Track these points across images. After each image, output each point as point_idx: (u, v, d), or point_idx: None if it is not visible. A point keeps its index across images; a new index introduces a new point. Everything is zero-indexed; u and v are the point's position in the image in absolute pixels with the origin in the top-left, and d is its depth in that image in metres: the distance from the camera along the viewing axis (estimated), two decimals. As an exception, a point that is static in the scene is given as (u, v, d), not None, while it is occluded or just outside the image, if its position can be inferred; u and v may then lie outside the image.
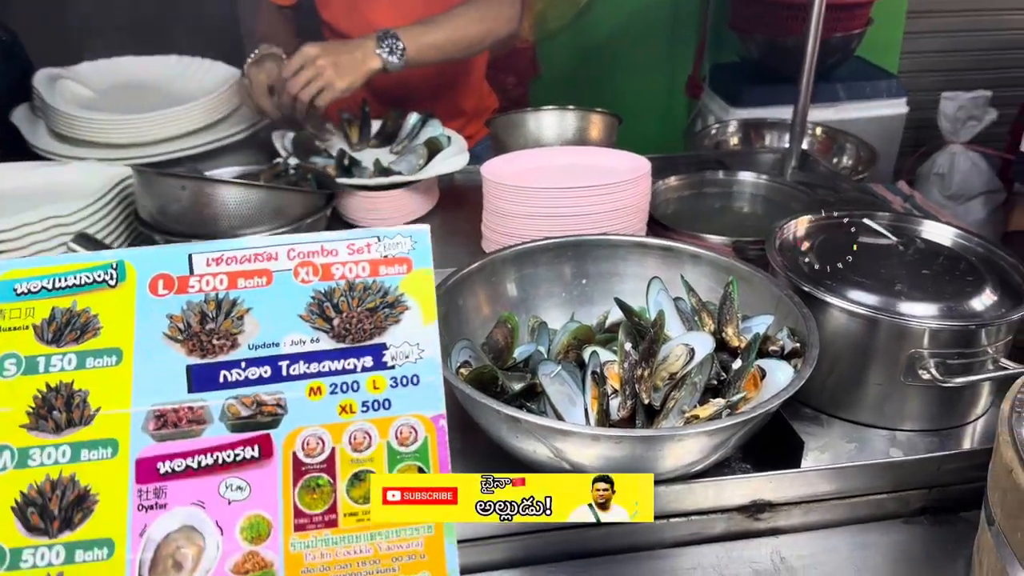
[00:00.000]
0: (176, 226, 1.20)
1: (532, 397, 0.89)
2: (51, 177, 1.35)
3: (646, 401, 0.82)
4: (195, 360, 0.56)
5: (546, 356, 0.95)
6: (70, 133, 1.53)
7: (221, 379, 0.56)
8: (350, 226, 1.47)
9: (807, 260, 1.04)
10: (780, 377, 0.84)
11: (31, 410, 0.54)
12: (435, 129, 1.59)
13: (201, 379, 0.56)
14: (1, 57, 1.71)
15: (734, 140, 2.44)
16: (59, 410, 0.54)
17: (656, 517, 0.81)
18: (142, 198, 1.22)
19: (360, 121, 1.63)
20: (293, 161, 1.44)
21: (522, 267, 1.09)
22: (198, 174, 1.22)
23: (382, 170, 1.46)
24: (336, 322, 0.56)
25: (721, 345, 0.92)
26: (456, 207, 1.57)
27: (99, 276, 0.57)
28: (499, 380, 0.85)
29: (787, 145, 1.77)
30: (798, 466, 0.89)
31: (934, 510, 0.92)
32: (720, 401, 0.82)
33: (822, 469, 0.88)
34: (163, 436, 0.54)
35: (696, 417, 0.80)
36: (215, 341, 0.56)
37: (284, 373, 0.56)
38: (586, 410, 0.83)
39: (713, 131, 2.45)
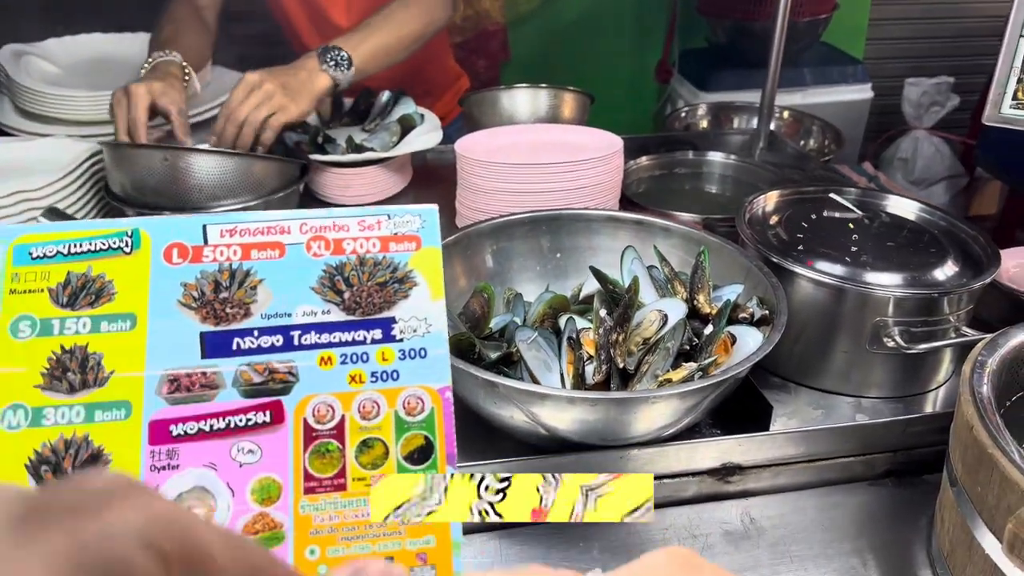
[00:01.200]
0: (151, 198, 1.19)
1: (509, 365, 0.90)
2: (19, 153, 1.33)
3: (620, 365, 0.84)
4: (209, 327, 0.57)
5: (522, 325, 0.96)
6: (36, 110, 1.51)
7: (234, 346, 0.57)
8: (323, 204, 1.47)
9: (775, 233, 1.06)
10: (750, 342, 0.86)
11: (45, 371, 0.55)
12: (408, 107, 1.59)
13: (215, 346, 0.57)
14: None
15: (703, 123, 2.47)
16: (73, 372, 0.54)
17: (630, 480, 0.83)
18: (115, 172, 1.21)
19: (332, 99, 1.63)
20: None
21: (498, 240, 1.10)
22: (173, 145, 1.20)
23: (355, 147, 1.45)
24: (347, 295, 0.58)
25: (693, 313, 0.94)
26: (430, 185, 1.58)
27: (114, 243, 0.58)
28: (476, 347, 0.86)
29: (755, 127, 1.79)
30: (767, 430, 0.91)
31: (899, 473, 0.95)
32: (692, 365, 0.84)
33: (790, 432, 0.90)
34: (176, 400, 0.55)
35: (669, 380, 0.82)
36: (228, 310, 0.57)
37: (296, 343, 0.57)
38: (562, 375, 0.85)
39: (683, 114, 2.48)
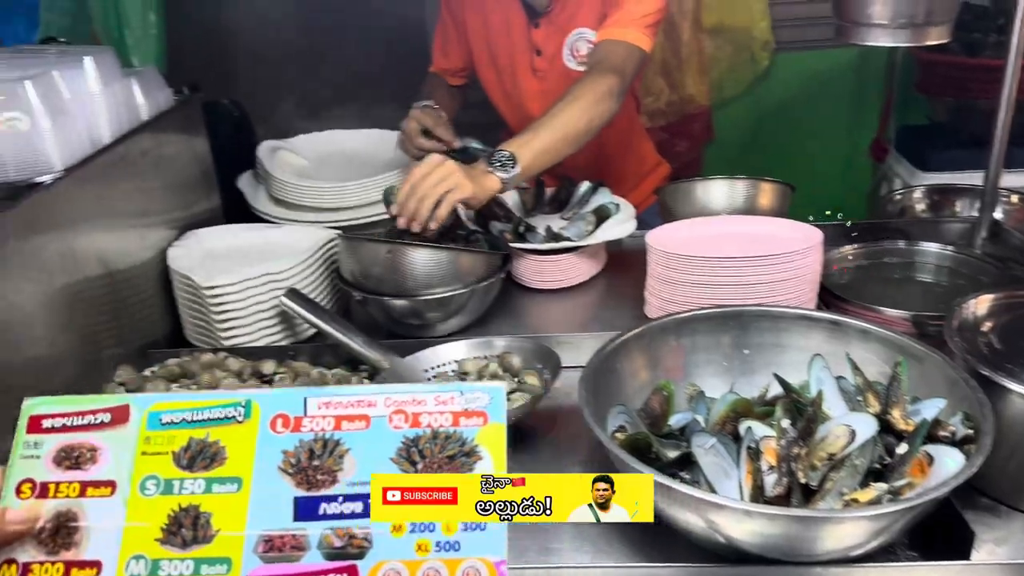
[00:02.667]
0: (374, 285, 1.33)
1: (686, 466, 0.91)
2: (269, 237, 1.54)
3: (803, 480, 0.83)
4: (301, 492, 0.64)
5: (703, 426, 0.97)
6: (285, 198, 1.75)
7: (320, 511, 0.64)
8: (522, 288, 1.56)
9: (988, 341, 0.99)
10: (949, 464, 0.81)
11: (164, 526, 0.64)
12: (605, 197, 1.66)
13: (305, 509, 0.64)
14: (232, 130, 1.99)
15: (921, 206, 2.32)
16: (187, 528, 0.64)
17: (811, 599, 0.81)
18: (346, 259, 1.38)
19: (535, 189, 1.74)
20: (472, 226, 1.56)
21: (682, 335, 1.12)
22: (396, 238, 1.35)
23: (553, 235, 1.54)
24: (420, 466, 0.64)
25: (887, 427, 0.90)
26: (622, 271, 1.62)
27: (231, 412, 0.67)
28: (653, 447, 0.89)
29: (977, 214, 1.67)
30: (966, 558, 0.84)
31: None
32: (882, 485, 0.81)
33: (996, 564, 0.83)
34: (270, 559, 0.63)
35: (855, 500, 0.79)
36: (319, 476, 0.65)
37: None
38: (740, 484, 0.85)
39: (898, 196, 2.35)
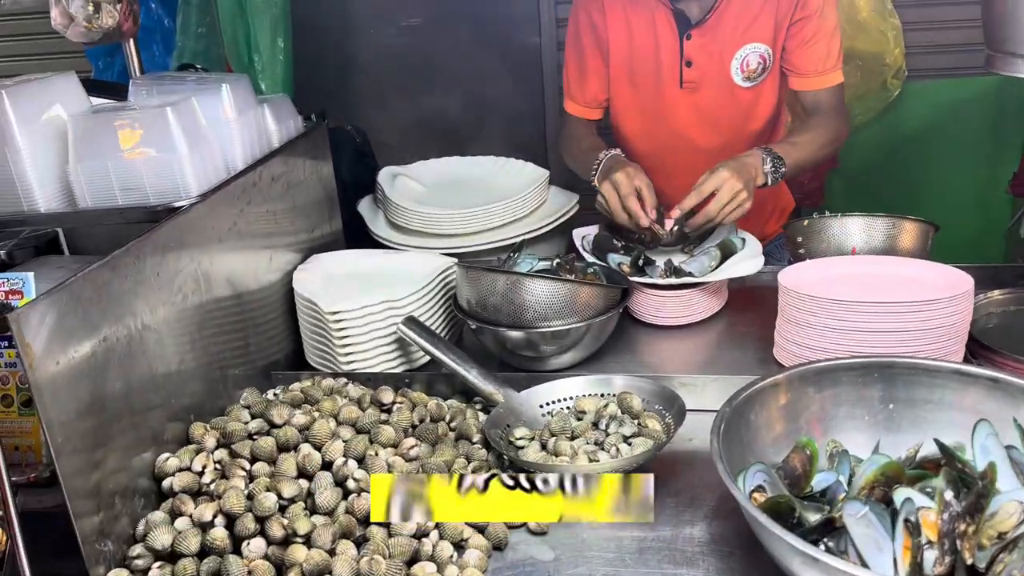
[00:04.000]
0: (490, 314, 1.32)
1: (828, 531, 0.84)
2: (386, 262, 1.55)
3: (969, 561, 0.74)
4: None
5: (846, 488, 0.89)
6: (403, 223, 1.77)
7: None
8: (639, 323, 1.51)
9: None
10: None
11: None
12: (729, 231, 1.59)
13: None
14: (354, 156, 2.03)
15: (1073, 246, 2.14)
16: None
17: None
18: (463, 287, 1.37)
19: (657, 222, 1.68)
20: (589, 258, 1.53)
21: (823, 386, 1.05)
22: (512, 269, 1.33)
23: (674, 270, 1.49)
24: None
25: (1066, 505, 0.80)
26: (746, 309, 1.55)
27: None
28: (796, 511, 0.82)
29: None
30: None
31: None
32: (1063, 574, 0.72)
33: None
34: None
35: (1032, 588, 0.71)
36: None
37: None
38: (895, 560, 0.77)
39: (1045, 235, 2.17)
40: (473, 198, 1.78)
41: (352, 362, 1.34)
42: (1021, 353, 1.22)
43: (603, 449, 1.08)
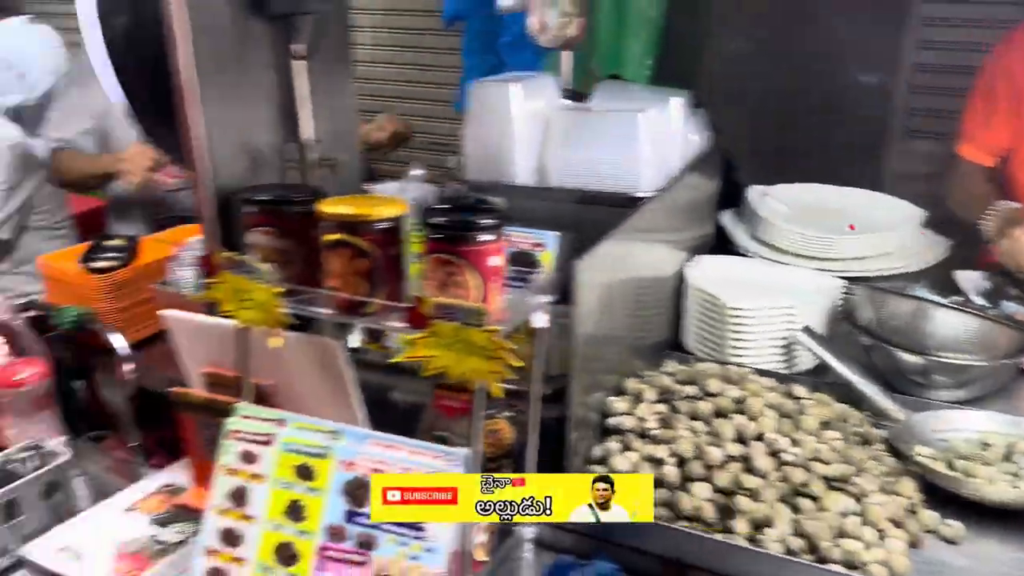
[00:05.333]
0: (889, 335, 1.40)
1: None
2: (762, 272, 1.69)
3: None
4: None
5: None
6: (766, 239, 1.88)
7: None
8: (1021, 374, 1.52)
9: None
10: None
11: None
12: None
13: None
14: (724, 175, 2.18)
15: None
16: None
17: None
18: (865, 307, 1.47)
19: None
20: (979, 301, 1.56)
21: None
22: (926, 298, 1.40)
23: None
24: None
25: None
26: None
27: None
28: None
29: None
30: None
31: None
32: None
33: None
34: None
35: None
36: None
37: None
38: None
39: None
40: (833, 225, 1.85)
41: (740, 355, 1.49)
42: None
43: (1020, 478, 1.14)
